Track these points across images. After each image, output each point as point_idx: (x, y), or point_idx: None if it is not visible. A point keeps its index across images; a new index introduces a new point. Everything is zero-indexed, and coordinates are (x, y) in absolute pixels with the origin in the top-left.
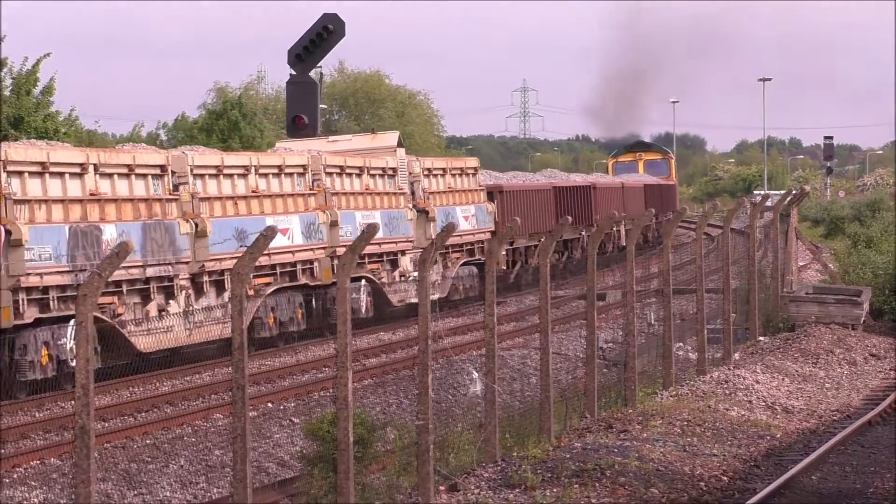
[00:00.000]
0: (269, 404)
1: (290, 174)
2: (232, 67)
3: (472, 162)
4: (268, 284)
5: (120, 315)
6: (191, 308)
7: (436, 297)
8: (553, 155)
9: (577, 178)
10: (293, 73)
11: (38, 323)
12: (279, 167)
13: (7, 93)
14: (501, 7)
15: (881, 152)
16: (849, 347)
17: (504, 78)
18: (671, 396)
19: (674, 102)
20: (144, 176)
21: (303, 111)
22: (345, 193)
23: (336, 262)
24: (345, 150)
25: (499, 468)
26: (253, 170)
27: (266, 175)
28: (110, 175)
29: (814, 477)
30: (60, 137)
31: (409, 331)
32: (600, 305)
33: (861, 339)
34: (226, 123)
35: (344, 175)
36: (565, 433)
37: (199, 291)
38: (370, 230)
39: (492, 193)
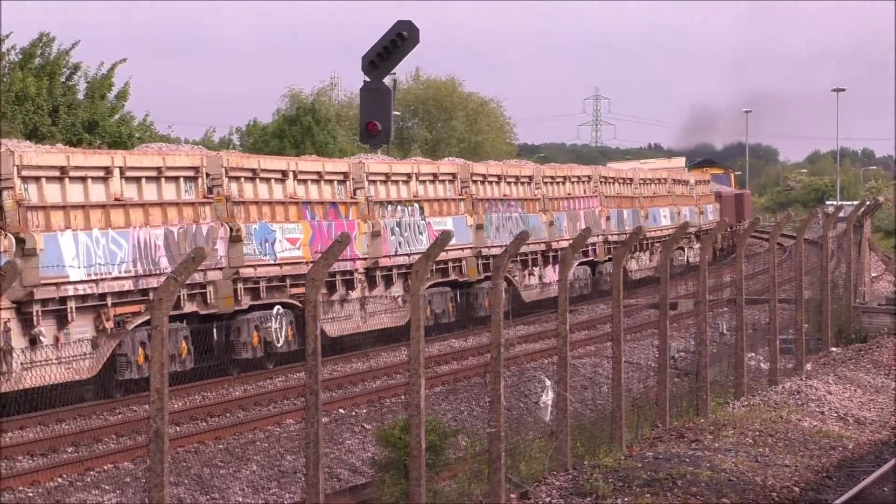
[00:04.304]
0: (342, 410)
1: (662, 183)
2: (305, 73)
3: (707, 176)
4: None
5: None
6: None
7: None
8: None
9: (733, 190)
10: (367, 79)
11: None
12: (662, 180)
13: (81, 96)
14: (576, 12)
15: None
16: None
17: (576, 85)
18: (743, 406)
19: (746, 112)
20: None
21: (376, 118)
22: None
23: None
24: (654, 168)
25: (570, 476)
26: (611, 178)
27: (641, 183)
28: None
29: (886, 489)
30: (134, 142)
31: (480, 338)
32: (672, 315)
33: None
34: (299, 129)
35: (678, 184)
36: (637, 442)
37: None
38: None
39: (715, 197)
